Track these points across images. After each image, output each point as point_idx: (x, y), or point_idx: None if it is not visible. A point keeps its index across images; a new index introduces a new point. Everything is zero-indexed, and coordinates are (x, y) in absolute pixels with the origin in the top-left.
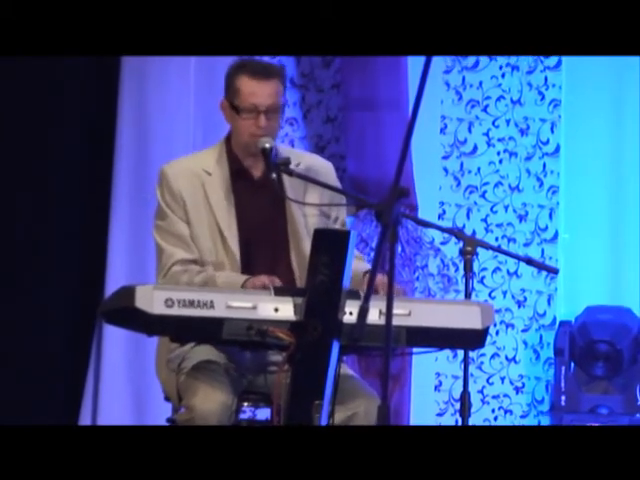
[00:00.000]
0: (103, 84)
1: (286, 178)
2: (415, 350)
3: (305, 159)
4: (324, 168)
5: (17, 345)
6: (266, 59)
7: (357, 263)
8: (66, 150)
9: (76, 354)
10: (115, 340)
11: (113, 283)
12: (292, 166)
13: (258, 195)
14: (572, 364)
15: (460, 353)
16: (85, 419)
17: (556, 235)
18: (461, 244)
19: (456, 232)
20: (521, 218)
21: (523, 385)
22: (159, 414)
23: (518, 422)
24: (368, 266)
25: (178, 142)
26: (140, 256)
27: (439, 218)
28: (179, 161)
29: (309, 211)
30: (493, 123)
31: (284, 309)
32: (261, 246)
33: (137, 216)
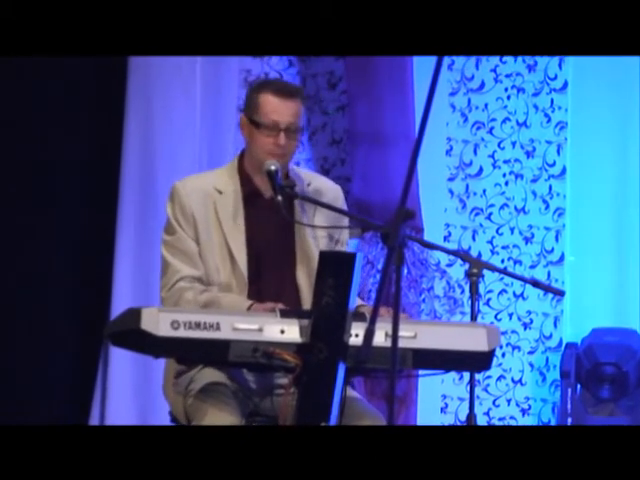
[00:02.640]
0: (109, 102)
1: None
2: (421, 372)
3: (315, 180)
4: (332, 191)
5: (25, 363)
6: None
7: None
8: (72, 168)
9: (83, 374)
10: (121, 359)
11: (119, 304)
12: (303, 186)
13: (269, 215)
14: (578, 386)
15: (466, 375)
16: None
17: (562, 257)
18: (467, 266)
19: (462, 254)
20: (527, 240)
21: (529, 407)
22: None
23: None
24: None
25: (184, 160)
26: (146, 276)
27: (445, 240)
28: (191, 178)
29: (319, 232)
30: (499, 145)
31: (290, 331)
32: (269, 266)
33: (143, 236)
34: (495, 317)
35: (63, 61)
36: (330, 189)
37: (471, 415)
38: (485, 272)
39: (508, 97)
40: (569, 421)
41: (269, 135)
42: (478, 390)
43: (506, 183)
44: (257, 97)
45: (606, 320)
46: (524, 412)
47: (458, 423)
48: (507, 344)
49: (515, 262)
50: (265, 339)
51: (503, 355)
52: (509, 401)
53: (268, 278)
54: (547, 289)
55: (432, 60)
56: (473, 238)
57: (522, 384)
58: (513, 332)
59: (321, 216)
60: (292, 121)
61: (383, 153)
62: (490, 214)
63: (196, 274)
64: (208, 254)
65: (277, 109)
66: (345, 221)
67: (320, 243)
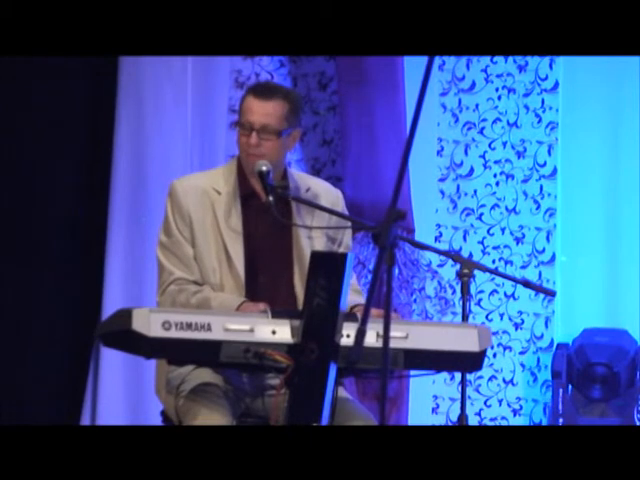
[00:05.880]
0: (100, 102)
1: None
2: (412, 373)
3: (314, 185)
4: (332, 195)
5: (15, 363)
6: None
7: (352, 295)
8: (63, 168)
9: (74, 374)
10: (112, 360)
11: (110, 304)
12: (302, 191)
13: (266, 217)
14: (569, 387)
15: (457, 375)
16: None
17: (553, 257)
18: (458, 267)
19: (453, 255)
20: (518, 240)
21: (521, 407)
22: None
23: None
24: (361, 300)
25: (175, 161)
26: (137, 277)
27: (436, 240)
28: (190, 177)
29: (315, 235)
30: (490, 145)
31: (281, 332)
32: (265, 268)
33: (134, 236)
34: (486, 317)
35: (53, 61)
36: (329, 193)
37: (462, 415)
38: (476, 272)
39: (499, 97)
40: (560, 421)
41: (243, 134)
42: (469, 390)
43: (497, 183)
44: (242, 98)
45: (597, 320)
46: (515, 412)
47: (449, 423)
48: (498, 344)
49: (506, 262)
50: (256, 340)
51: (494, 355)
52: (500, 401)
53: (264, 280)
54: (538, 289)
55: (423, 60)
56: (464, 238)
57: (513, 384)
58: (504, 332)
59: (320, 220)
60: (266, 122)
61: (374, 153)
62: (481, 214)
63: (190, 277)
64: (204, 254)
65: (252, 109)
66: (346, 224)
67: (317, 246)
